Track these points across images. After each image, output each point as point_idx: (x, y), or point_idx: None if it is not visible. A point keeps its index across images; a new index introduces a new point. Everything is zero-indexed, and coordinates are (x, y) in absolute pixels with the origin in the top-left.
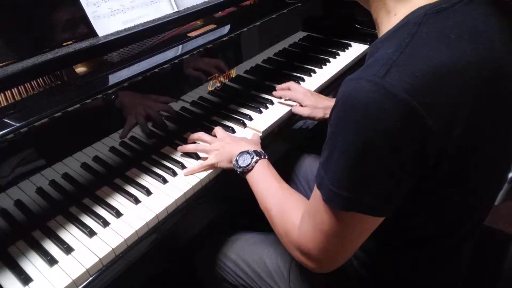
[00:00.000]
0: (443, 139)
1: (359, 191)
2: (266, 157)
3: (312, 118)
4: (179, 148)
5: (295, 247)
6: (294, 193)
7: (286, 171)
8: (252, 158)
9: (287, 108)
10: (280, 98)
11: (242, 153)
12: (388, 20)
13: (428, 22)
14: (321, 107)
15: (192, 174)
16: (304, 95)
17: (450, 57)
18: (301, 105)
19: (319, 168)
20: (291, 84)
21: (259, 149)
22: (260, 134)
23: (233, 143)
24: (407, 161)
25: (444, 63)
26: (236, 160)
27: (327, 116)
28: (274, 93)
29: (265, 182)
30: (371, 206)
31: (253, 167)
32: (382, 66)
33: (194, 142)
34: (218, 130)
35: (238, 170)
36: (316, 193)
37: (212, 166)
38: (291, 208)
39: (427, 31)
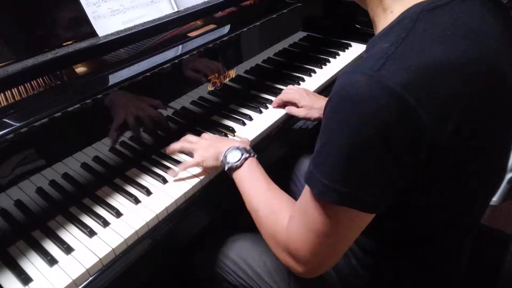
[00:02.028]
0: (436, 134)
1: (352, 185)
2: (256, 155)
3: (308, 119)
4: (167, 150)
5: (283, 249)
6: (283, 195)
7: (286, 171)
8: (242, 154)
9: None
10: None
11: (231, 148)
12: (385, 18)
13: (424, 18)
14: (316, 107)
15: (176, 175)
16: (300, 95)
17: (445, 53)
18: (298, 106)
19: (309, 162)
20: (284, 90)
21: (248, 147)
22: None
23: (221, 141)
24: (400, 154)
25: (439, 59)
26: (225, 156)
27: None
28: (273, 105)
29: (254, 181)
30: (364, 201)
31: (242, 164)
32: (377, 60)
33: None
34: (204, 134)
35: (227, 166)
36: (306, 190)
37: (197, 165)
38: (280, 209)
39: (423, 27)
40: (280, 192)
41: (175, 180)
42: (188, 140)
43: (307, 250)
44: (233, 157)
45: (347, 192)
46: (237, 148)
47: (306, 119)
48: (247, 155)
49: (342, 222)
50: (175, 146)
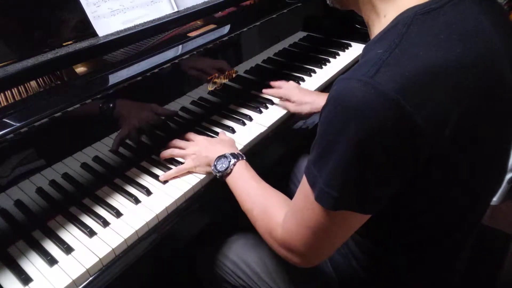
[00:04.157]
0: (433, 139)
1: (350, 190)
2: (244, 158)
3: (299, 113)
4: (160, 156)
5: (280, 245)
6: (275, 192)
7: (286, 171)
8: (230, 162)
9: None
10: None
11: (219, 157)
12: (379, 22)
13: (418, 22)
14: (307, 101)
15: (168, 178)
16: (291, 91)
17: (440, 57)
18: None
19: (311, 166)
20: (281, 82)
21: (236, 150)
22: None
23: (210, 146)
24: (397, 160)
25: (434, 63)
26: (215, 165)
27: (314, 110)
28: (264, 91)
29: (245, 183)
30: (361, 204)
31: (231, 170)
32: (372, 66)
33: None
34: (191, 134)
35: (217, 174)
36: (305, 190)
37: (189, 170)
38: (273, 207)
39: (417, 31)
40: (272, 190)
41: (175, 180)
42: (178, 146)
43: (304, 245)
44: (222, 166)
45: (343, 197)
46: (225, 156)
47: (298, 113)
48: (235, 160)
49: (339, 223)
50: (165, 153)
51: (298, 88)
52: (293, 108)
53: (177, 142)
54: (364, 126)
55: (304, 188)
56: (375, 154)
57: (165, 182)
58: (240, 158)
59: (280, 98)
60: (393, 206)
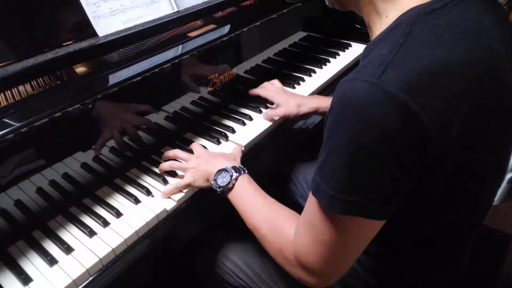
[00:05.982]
0: (440, 139)
1: (359, 193)
2: (246, 171)
3: (288, 117)
4: (159, 168)
5: (293, 264)
6: (282, 208)
7: (286, 172)
8: (231, 176)
9: None
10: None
11: (220, 171)
12: (380, 22)
13: (421, 22)
14: (294, 103)
15: (168, 195)
16: (277, 93)
17: (444, 57)
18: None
19: (314, 174)
20: (264, 84)
21: (237, 164)
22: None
23: (210, 159)
24: (405, 161)
25: (438, 63)
26: (215, 180)
27: (301, 112)
28: (250, 92)
29: (250, 199)
30: (371, 208)
31: (233, 185)
32: (377, 66)
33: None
34: (195, 146)
35: (218, 190)
36: (312, 202)
37: (188, 186)
38: (282, 224)
39: (420, 31)
40: (278, 205)
41: (175, 180)
42: (178, 157)
43: (319, 262)
44: (223, 181)
45: (354, 201)
46: (226, 170)
47: (286, 117)
48: (237, 174)
49: (351, 231)
50: (165, 165)
51: (283, 90)
52: (282, 111)
53: (178, 152)
54: (372, 128)
55: (312, 200)
56: (384, 155)
57: (165, 182)
58: (242, 172)
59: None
60: (397, 209)
